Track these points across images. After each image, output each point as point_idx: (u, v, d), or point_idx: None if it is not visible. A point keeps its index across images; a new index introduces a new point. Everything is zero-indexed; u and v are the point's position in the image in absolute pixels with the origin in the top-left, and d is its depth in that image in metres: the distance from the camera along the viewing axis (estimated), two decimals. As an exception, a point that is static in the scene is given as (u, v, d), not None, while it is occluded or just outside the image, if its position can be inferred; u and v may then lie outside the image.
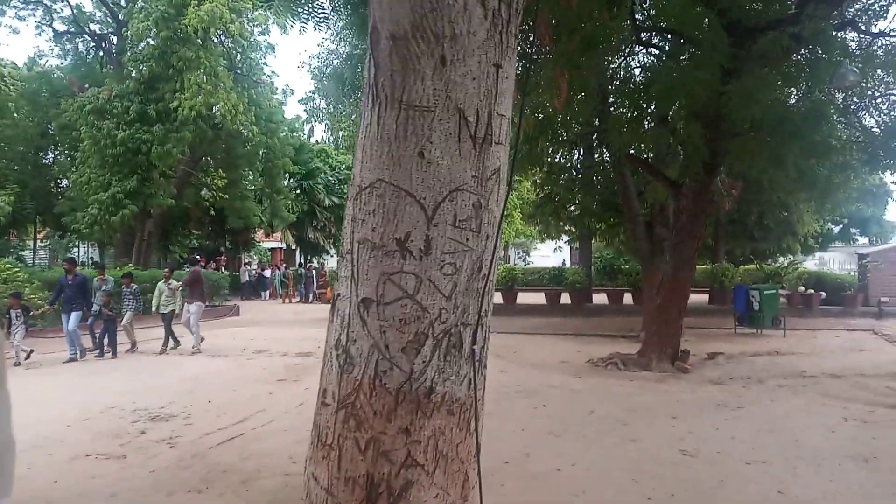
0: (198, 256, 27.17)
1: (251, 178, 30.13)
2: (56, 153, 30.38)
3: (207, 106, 22.41)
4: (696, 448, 5.92)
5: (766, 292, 15.02)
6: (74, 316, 11.23)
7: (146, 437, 6.39)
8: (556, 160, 14.66)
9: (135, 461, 5.60)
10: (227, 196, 28.52)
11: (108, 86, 22.82)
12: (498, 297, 21.84)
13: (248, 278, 31.82)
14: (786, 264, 23.79)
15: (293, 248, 39.32)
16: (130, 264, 21.98)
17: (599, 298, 22.36)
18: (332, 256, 38.88)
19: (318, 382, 2.69)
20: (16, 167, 28.45)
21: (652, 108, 10.39)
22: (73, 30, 27.32)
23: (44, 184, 29.50)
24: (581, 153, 15.58)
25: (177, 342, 12.65)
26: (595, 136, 12.98)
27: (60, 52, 28.60)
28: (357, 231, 2.44)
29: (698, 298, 19.61)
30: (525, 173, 15.30)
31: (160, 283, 13.11)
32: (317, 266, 34.33)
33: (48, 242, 36.12)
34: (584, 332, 15.53)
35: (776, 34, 8.38)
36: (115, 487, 4.94)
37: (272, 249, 41.18)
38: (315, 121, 17.79)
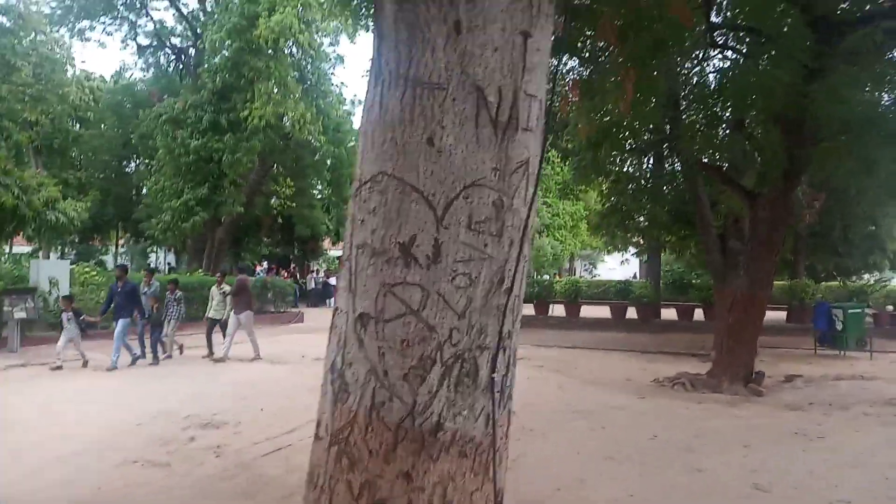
0: (268, 264, 27.76)
1: (319, 187, 30.63)
2: (137, 162, 31.80)
3: (277, 115, 22.86)
4: (771, 482, 5.39)
5: (850, 311, 14.11)
6: (121, 323, 11.33)
7: (194, 445, 6.33)
8: (624, 169, 14.18)
9: (179, 469, 5.54)
10: (295, 204, 29.06)
11: (184, 97, 23.62)
12: (560, 310, 21.38)
13: (314, 286, 32.34)
14: (872, 281, 22.26)
15: (359, 256, 39.80)
16: (200, 270, 22.53)
17: (668, 314, 21.46)
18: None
19: None
20: (100, 175, 30.05)
21: (727, 113, 9.84)
22: (155, 43, 28.46)
23: (125, 191, 31.04)
24: (650, 162, 14.99)
25: (211, 351, 12.63)
26: (665, 143, 12.46)
27: (143, 66, 29.96)
28: (356, 234, 2.07)
29: (775, 316, 18.57)
30: (590, 182, 14.82)
31: (213, 287, 13.18)
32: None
33: (126, 247, 37.81)
34: (650, 349, 14.86)
35: (868, 29, 7.75)
36: (157, 497, 4.88)
37: (340, 257, 41.85)
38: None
